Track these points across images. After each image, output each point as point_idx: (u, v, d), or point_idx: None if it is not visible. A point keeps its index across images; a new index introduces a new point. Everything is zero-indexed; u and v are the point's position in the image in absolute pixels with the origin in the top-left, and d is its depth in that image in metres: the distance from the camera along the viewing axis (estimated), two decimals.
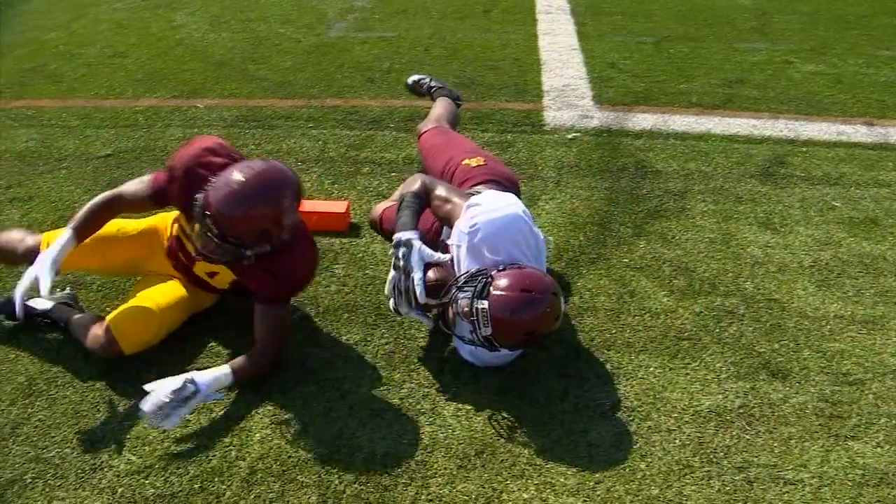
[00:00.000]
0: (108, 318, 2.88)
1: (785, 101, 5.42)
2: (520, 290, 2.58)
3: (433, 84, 4.39)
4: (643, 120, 5.05)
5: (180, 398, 2.52)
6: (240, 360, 2.75)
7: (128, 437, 2.65)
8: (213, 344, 3.08)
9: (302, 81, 5.75)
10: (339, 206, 3.84)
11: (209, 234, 2.62)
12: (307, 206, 3.83)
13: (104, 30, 7.16)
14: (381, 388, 2.84)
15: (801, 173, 4.45)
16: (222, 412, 2.73)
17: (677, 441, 2.63)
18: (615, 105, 5.25)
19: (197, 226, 2.65)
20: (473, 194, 2.89)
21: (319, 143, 4.76)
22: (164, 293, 2.97)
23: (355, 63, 6.07)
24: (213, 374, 2.66)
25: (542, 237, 2.87)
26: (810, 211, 4.05)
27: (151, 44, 6.73)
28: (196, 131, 4.91)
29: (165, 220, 3.12)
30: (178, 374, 2.64)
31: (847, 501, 2.43)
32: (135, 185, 2.89)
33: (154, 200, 2.88)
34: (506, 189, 3.04)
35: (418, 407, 2.75)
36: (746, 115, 5.18)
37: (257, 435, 2.65)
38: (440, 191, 2.92)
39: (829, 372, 2.93)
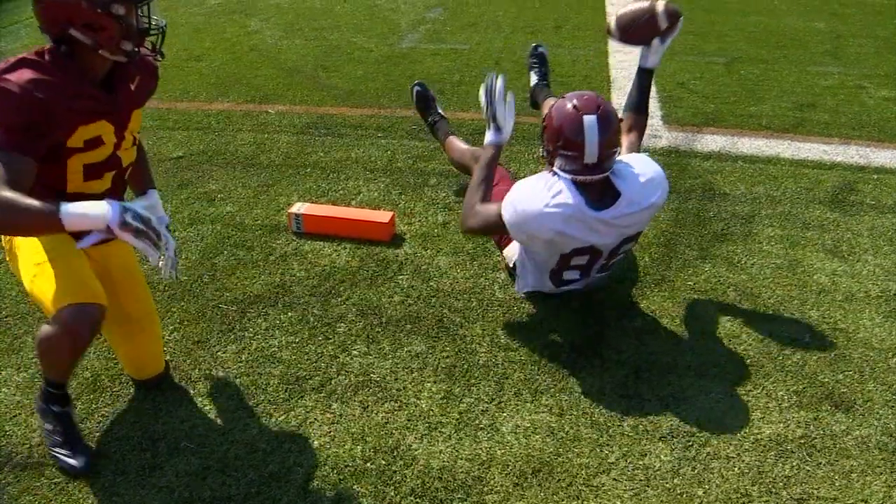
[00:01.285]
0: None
1: (857, 127, 5.32)
2: None
3: (435, 120, 4.27)
4: (712, 141, 4.99)
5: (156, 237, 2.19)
6: None
7: (187, 437, 2.69)
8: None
9: (372, 91, 5.81)
10: (383, 217, 3.88)
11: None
12: (352, 213, 3.89)
13: (181, 33, 7.31)
14: (441, 401, 2.84)
15: (871, 201, 4.36)
16: (282, 417, 2.77)
17: (736, 469, 2.59)
18: (684, 125, 5.20)
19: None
20: None
21: (388, 153, 4.80)
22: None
23: (426, 74, 6.10)
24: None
25: None
26: (879, 240, 3.97)
27: (226, 48, 6.86)
28: (266, 137, 4.99)
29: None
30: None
31: None
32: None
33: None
34: None
35: (477, 422, 2.75)
36: (817, 140, 5.09)
37: (315, 442, 2.67)
38: None
39: (894, 405, 2.87)
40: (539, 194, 2.88)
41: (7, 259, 2.58)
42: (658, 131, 5.13)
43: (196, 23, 7.70)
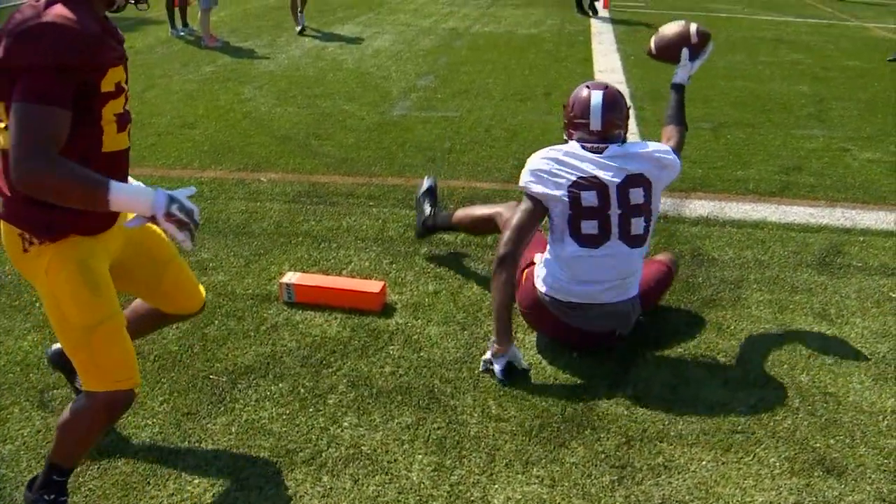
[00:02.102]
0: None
1: (842, 190, 5.38)
2: None
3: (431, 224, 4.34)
4: (700, 207, 5.04)
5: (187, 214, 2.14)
6: None
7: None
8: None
9: (364, 159, 5.86)
10: (374, 286, 3.89)
11: None
12: (343, 283, 3.90)
13: (175, 100, 7.40)
14: (432, 474, 2.82)
15: (857, 263, 4.39)
16: (273, 491, 2.74)
17: None
18: (672, 191, 5.25)
19: None
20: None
21: (379, 221, 4.82)
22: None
23: (417, 142, 6.17)
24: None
25: None
26: (867, 302, 3.99)
27: (219, 116, 6.93)
28: (258, 205, 5.01)
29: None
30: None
31: None
32: None
33: None
34: None
35: (468, 495, 2.73)
36: (803, 203, 5.14)
37: None
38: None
39: (886, 469, 2.85)
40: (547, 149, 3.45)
41: (42, 299, 2.35)
42: None
43: (190, 90, 7.79)
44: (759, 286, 4.12)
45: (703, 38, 3.82)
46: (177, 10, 10.71)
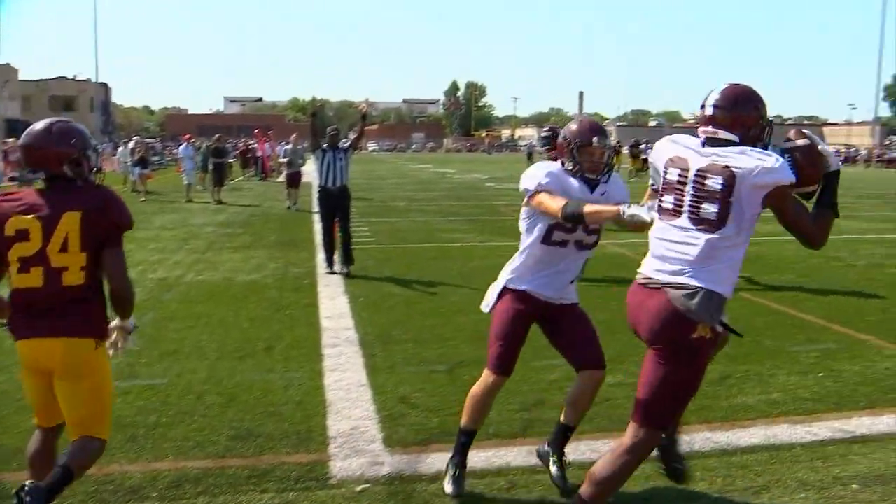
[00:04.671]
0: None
1: (586, 420, 5.55)
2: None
3: None
4: (438, 460, 5.00)
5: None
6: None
7: None
8: None
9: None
10: None
11: None
12: None
13: None
14: None
15: None
16: None
17: None
18: (407, 446, 5.22)
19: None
20: None
21: None
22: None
23: (115, 419, 5.82)
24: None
25: None
26: None
27: None
28: None
29: None
30: None
31: None
32: None
33: None
34: None
35: None
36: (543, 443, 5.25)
37: None
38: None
39: None
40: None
41: (91, 380, 3.86)
42: (380, 457, 5.10)
43: None
44: None
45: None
46: None
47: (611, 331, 8.06)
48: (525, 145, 73.11)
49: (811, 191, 3.85)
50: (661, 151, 4.04)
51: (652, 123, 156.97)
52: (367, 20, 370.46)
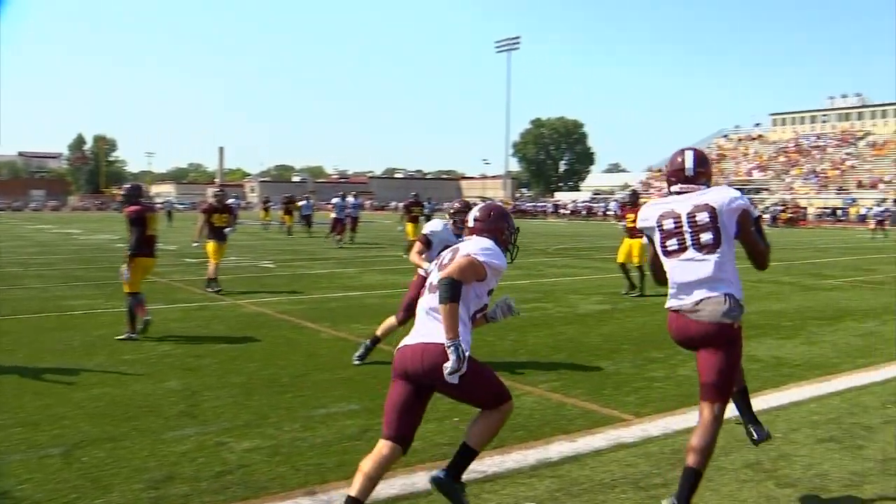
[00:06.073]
0: None
1: (220, 490, 5.50)
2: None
3: None
4: None
5: None
6: None
7: None
8: None
9: None
10: None
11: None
12: None
13: None
14: None
15: None
16: None
17: None
18: None
19: None
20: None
21: None
22: None
23: None
24: None
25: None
26: None
27: None
28: None
29: None
30: None
31: None
32: None
33: None
34: None
35: None
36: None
37: None
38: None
39: None
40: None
41: None
42: None
43: None
44: None
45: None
46: None
47: (246, 393, 8.06)
48: (165, 203, 71.06)
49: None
50: (649, 214, 5.45)
51: (296, 179, 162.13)
52: None
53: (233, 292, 16.57)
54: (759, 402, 7.63)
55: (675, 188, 5.41)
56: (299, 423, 6.99)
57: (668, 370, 9.43)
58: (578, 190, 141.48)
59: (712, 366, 5.12)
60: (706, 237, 5.16)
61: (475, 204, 6.39)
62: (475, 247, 5.07)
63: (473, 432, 5.04)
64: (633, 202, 17.46)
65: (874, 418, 7.43)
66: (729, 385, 5.21)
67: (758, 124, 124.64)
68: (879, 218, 51.37)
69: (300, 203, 47.00)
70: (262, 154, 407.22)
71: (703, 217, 5.18)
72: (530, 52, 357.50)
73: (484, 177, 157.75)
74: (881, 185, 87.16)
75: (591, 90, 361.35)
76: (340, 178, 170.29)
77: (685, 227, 5.23)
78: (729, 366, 5.14)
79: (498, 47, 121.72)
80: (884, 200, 71.64)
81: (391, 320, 9.62)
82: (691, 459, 5.00)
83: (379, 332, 9.67)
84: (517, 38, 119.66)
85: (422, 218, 30.39)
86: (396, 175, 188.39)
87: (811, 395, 8.20)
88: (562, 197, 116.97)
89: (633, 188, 47.90)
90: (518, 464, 6.13)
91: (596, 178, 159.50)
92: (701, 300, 5.14)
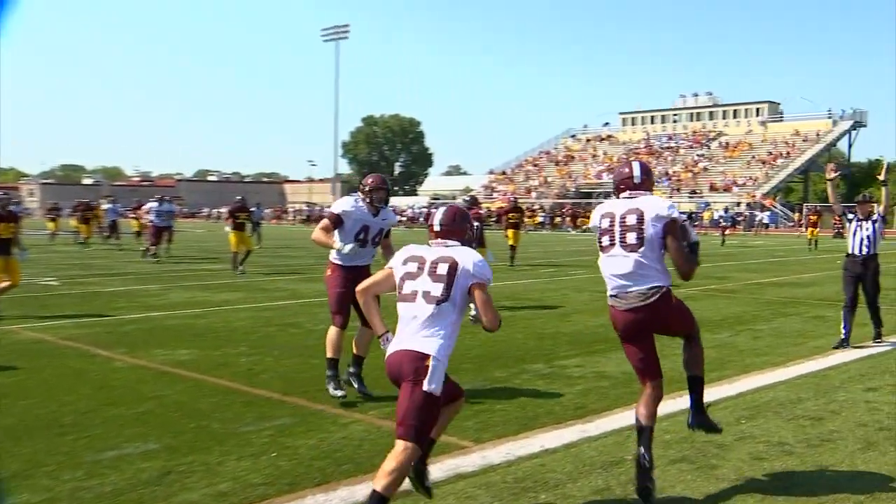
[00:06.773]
0: None
1: None
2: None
3: None
4: None
5: None
6: None
7: None
8: None
9: None
10: None
11: None
12: None
13: None
14: None
15: None
16: None
17: None
18: None
19: None
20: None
21: None
22: None
23: None
24: None
25: None
26: None
27: None
28: None
29: None
30: None
31: None
32: None
33: None
34: None
35: None
36: None
37: None
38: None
39: None
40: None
41: None
42: None
43: None
44: None
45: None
46: None
47: (15, 438, 7.36)
48: None
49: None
50: (597, 213, 6.42)
51: (87, 181, 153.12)
52: None
53: (6, 317, 15.02)
54: (607, 423, 7.53)
55: (624, 195, 6.34)
56: (83, 470, 6.43)
57: (510, 393, 9.29)
58: (416, 194, 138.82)
59: (673, 326, 6.50)
60: (631, 237, 6.09)
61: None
62: (469, 264, 5.47)
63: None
64: (471, 208, 17.09)
65: (728, 435, 7.42)
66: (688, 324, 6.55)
67: (606, 124, 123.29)
68: (724, 224, 53.33)
69: (104, 207, 43.69)
70: (43, 152, 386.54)
71: (631, 219, 6.12)
72: (361, 42, 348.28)
73: (311, 180, 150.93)
74: (735, 189, 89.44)
75: (428, 86, 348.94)
76: (143, 181, 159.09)
77: (616, 227, 6.18)
78: (688, 316, 6.50)
79: (324, 36, 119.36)
80: (738, 204, 74.52)
81: (332, 333, 8.96)
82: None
83: (355, 350, 9.05)
84: (346, 26, 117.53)
85: (248, 225, 28.78)
86: (210, 178, 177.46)
87: (662, 413, 8.09)
88: (398, 202, 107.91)
89: (472, 193, 48.25)
90: (344, 501, 5.86)
91: (435, 182, 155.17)
92: (627, 291, 6.13)
